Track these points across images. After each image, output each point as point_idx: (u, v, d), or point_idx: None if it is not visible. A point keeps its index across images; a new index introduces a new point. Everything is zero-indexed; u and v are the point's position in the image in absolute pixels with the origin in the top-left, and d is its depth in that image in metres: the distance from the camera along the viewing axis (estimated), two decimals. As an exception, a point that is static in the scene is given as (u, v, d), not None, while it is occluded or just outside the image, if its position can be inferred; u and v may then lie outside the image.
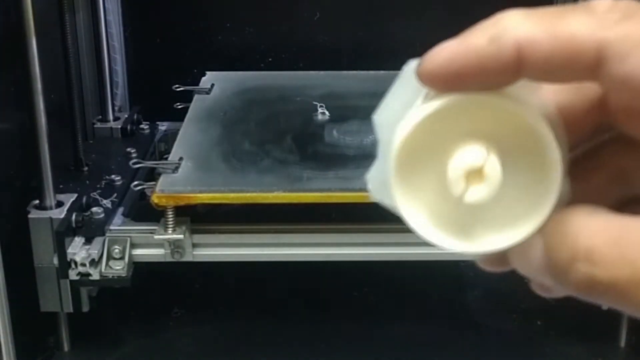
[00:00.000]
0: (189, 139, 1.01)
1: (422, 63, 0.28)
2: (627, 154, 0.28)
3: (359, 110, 1.08)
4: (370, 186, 0.30)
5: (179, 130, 1.05)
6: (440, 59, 0.27)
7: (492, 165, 0.27)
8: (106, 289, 0.95)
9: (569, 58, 0.26)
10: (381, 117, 0.31)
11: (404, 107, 0.29)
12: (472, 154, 0.27)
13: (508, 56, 0.26)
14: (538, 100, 0.27)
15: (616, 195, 0.29)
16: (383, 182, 0.29)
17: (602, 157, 0.29)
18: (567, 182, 0.27)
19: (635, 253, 0.24)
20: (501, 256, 0.28)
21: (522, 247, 0.27)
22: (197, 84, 1.18)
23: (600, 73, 0.25)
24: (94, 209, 0.93)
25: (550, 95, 0.28)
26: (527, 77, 0.26)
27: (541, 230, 0.27)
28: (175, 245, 0.91)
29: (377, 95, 1.13)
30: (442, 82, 0.27)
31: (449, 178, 0.27)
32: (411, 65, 0.29)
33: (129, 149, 1.10)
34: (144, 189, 0.94)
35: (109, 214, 0.94)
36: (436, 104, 0.27)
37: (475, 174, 0.27)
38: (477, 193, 0.27)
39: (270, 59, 1.26)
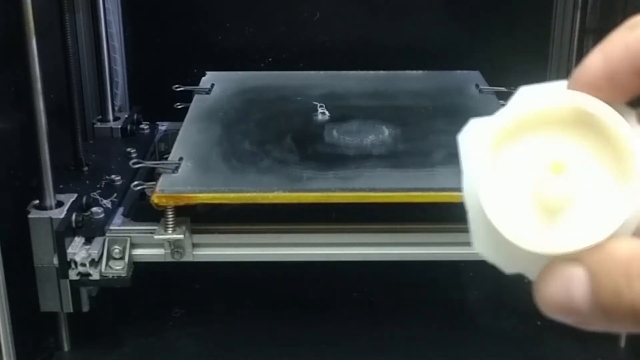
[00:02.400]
0: (189, 139, 1.01)
1: (579, 69, 0.27)
2: None
3: (359, 110, 1.08)
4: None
5: (179, 130, 1.04)
6: (597, 62, 0.27)
7: (581, 163, 0.27)
8: (106, 289, 0.94)
9: None
10: (529, 91, 0.30)
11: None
12: (557, 148, 0.28)
13: None
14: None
15: None
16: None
17: None
18: None
19: None
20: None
21: (561, 273, 0.27)
22: (197, 84, 1.18)
23: None
24: (94, 209, 0.93)
25: None
26: None
27: (582, 258, 0.27)
28: (175, 245, 0.91)
29: (377, 96, 1.14)
30: (595, 87, 0.27)
31: (533, 170, 0.28)
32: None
33: (129, 149, 1.10)
34: (144, 189, 0.94)
35: (109, 214, 0.94)
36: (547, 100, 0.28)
37: (561, 170, 0.28)
38: (561, 187, 0.27)
39: (270, 59, 1.26)
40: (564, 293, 0.26)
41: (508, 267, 0.29)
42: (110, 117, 1.18)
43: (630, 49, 0.26)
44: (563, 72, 1.21)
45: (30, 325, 0.93)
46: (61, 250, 0.89)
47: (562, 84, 0.29)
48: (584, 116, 0.28)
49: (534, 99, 0.28)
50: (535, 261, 0.28)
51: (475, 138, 0.29)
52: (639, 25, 0.26)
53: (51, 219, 0.89)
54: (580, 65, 0.28)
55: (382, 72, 1.22)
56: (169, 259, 0.91)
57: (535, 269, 0.28)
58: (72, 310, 0.93)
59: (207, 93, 1.15)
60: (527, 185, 0.28)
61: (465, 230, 0.30)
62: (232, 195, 0.88)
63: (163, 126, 1.20)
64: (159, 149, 1.17)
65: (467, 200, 0.29)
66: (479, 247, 0.29)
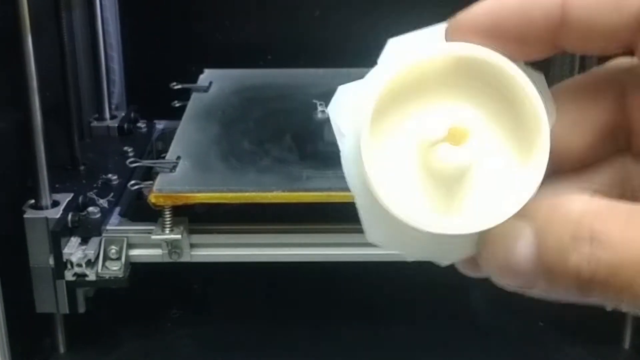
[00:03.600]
0: (186, 137, 1.00)
1: (462, 14, 0.25)
2: (636, 164, 0.27)
3: (359, 108, 1.08)
4: (338, 105, 0.26)
5: (176, 128, 1.04)
6: (483, 9, 0.25)
7: (477, 126, 0.23)
8: (103, 289, 0.94)
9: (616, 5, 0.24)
10: (400, 44, 0.26)
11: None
12: (454, 111, 0.24)
13: (553, 6, 0.24)
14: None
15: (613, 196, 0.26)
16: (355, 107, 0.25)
17: (609, 160, 0.27)
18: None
19: None
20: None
21: (505, 231, 0.24)
22: (195, 82, 1.17)
23: None
24: (91, 209, 0.93)
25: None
26: (567, 39, 0.24)
27: (531, 214, 0.23)
28: (172, 246, 0.90)
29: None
30: (479, 34, 0.25)
31: (426, 137, 0.24)
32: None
33: (125, 148, 1.10)
34: (141, 188, 0.94)
35: (106, 213, 0.93)
36: (440, 49, 0.24)
37: (456, 137, 0.23)
38: (458, 156, 0.23)
39: (269, 57, 1.25)
40: (508, 251, 0.24)
41: (412, 253, 0.26)
42: (107, 115, 1.18)
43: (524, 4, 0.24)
44: (565, 71, 1.20)
45: (26, 327, 0.93)
46: (57, 251, 0.88)
47: (438, 30, 0.26)
48: (477, 67, 0.24)
49: (412, 54, 0.24)
50: (442, 243, 0.25)
51: (349, 111, 0.25)
52: None
53: (47, 218, 0.89)
54: (463, 12, 0.25)
55: (381, 70, 1.21)
56: (167, 259, 0.91)
57: (443, 251, 0.25)
58: (68, 312, 0.92)
59: (205, 91, 1.14)
60: (417, 157, 0.24)
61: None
62: (230, 194, 0.88)
63: (160, 125, 1.20)
64: (156, 147, 1.17)
65: (352, 184, 0.26)
66: (373, 237, 0.26)
